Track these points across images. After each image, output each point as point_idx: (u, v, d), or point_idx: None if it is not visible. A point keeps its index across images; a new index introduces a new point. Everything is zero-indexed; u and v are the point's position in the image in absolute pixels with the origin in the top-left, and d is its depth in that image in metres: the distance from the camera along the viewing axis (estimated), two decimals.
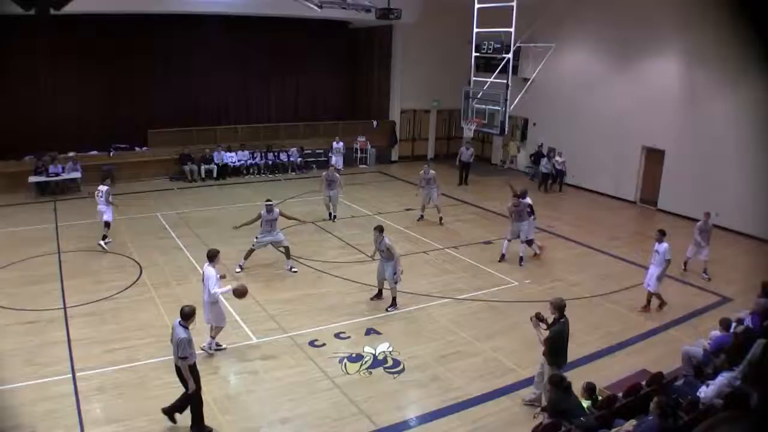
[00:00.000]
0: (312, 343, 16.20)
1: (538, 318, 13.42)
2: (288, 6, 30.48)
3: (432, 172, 27.12)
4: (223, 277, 17.62)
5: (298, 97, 41.72)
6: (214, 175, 34.97)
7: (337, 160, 36.49)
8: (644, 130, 32.26)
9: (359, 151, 40.31)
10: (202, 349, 15.44)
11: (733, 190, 28.38)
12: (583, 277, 22.04)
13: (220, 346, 15.95)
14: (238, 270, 21.20)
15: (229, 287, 15.50)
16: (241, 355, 15.60)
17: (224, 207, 29.09)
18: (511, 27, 24.30)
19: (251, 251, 21.43)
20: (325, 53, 41.70)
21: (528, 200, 23.55)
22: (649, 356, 16.33)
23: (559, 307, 13.21)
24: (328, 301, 19.12)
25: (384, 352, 16.01)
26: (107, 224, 23.46)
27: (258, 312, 17.95)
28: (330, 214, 27.87)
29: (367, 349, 16.08)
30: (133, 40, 34.41)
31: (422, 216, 27.58)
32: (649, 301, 19.35)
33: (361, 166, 40.03)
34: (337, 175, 28.08)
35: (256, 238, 21.45)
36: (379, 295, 19.52)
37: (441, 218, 27.48)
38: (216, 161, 35.17)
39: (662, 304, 19.38)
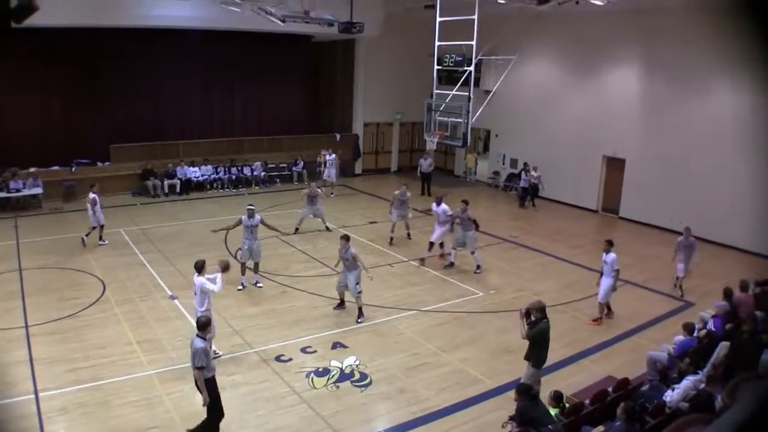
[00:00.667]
0: (278, 358, 16.07)
1: (526, 313, 13.59)
2: (251, 21, 30.38)
3: (408, 194, 27.19)
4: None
5: (262, 111, 41.53)
6: (178, 190, 34.65)
7: (329, 172, 35.95)
8: (605, 140, 32.57)
9: (323, 165, 40.11)
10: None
11: (694, 197, 28.64)
12: (547, 286, 22.11)
13: (217, 353, 15.90)
14: (240, 287, 21.00)
15: (219, 274, 15.50)
16: None
17: (188, 222, 28.90)
18: (472, 40, 24.35)
19: (243, 265, 21.32)
20: (289, 67, 41.58)
21: (444, 207, 24.42)
22: (614, 363, 16.41)
23: (541, 308, 13.49)
24: (294, 315, 19.00)
25: (351, 365, 15.92)
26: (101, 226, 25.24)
27: (223, 327, 17.72)
28: (296, 229, 27.80)
29: (334, 362, 15.97)
30: (96, 54, 34.02)
31: (392, 239, 27.33)
32: (602, 313, 19.44)
33: (323, 179, 40.00)
34: (318, 190, 28.19)
35: (240, 249, 21.28)
36: (341, 304, 19.52)
37: (409, 233, 27.51)
38: (179, 176, 34.88)
39: (609, 313, 19.53)
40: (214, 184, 36.10)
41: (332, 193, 35.17)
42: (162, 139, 36.71)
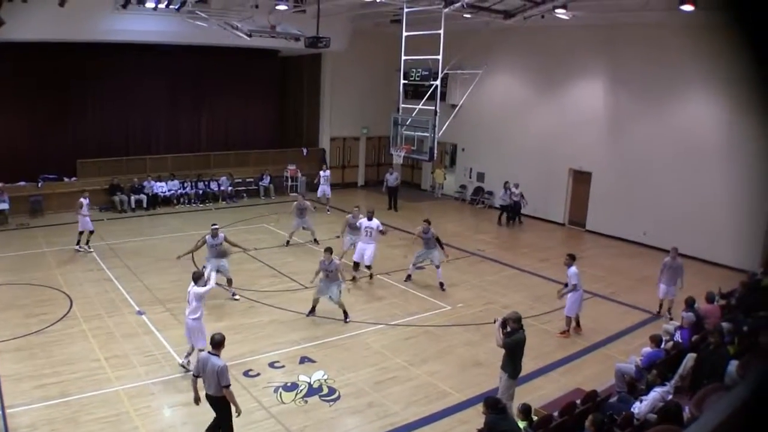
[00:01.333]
0: (246, 373, 15.99)
1: (503, 322, 13.64)
2: (218, 35, 30.35)
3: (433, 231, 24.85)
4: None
5: (229, 126, 41.44)
6: (145, 205, 34.38)
7: (323, 189, 35.23)
8: (571, 153, 32.80)
9: (290, 179, 40.18)
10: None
11: (661, 209, 28.89)
12: (515, 299, 22.17)
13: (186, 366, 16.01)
14: (237, 297, 21.32)
15: (213, 273, 17.12)
16: (175, 387, 15.28)
17: (155, 237, 28.75)
18: (438, 54, 24.44)
19: (229, 280, 21.50)
20: (255, 81, 41.58)
21: (376, 222, 24.09)
22: (582, 375, 16.51)
23: (517, 319, 13.52)
24: (261, 330, 18.92)
25: (319, 380, 15.86)
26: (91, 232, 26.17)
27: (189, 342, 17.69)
28: (288, 242, 28.13)
29: (302, 377, 15.90)
30: (61, 68, 33.84)
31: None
32: (568, 326, 19.52)
33: (291, 194, 39.83)
34: (307, 203, 28.26)
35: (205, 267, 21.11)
36: (313, 311, 19.83)
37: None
38: (146, 191, 34.64)
39: (577, 328, 19.59)
40: (181, 199, 35.90)
41: (328, 210, 34.95)
42: (129, 154, 36.57)
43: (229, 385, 12.04)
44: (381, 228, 24.00)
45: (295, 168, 40.30)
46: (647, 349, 14.96)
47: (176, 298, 20.87)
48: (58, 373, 15.69)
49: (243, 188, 38.46)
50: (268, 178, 38.97)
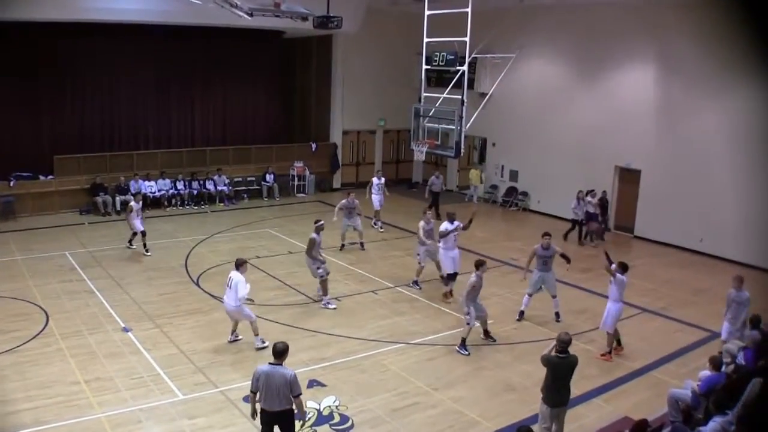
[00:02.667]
0: (247, 399, 15.85)
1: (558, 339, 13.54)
2: (214, 14, 30.15)
3: (356, 201, 27.84)
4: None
5: (227, 118, 41.49)
6: (134, 209, 34.23)
7: (377, 199, 32.90)
8: (617, 149, 32.60)
9: (296, 179, 40.29)
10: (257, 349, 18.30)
11: (720, 213, 28.66)
12: (553, 315, 22.03)
13: (264, 342, 18.44)
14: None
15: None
16: (165, 414, 15.26)
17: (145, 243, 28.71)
18: (466, 36, 24.36)
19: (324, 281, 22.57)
20: (257, 68, 41.65)
21: (456, 223, 23.58)
22: (630, 402, 16.38)
23: (562, 341, 13.32)
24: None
25: (330, 406, 15.82)
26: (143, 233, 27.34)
27: (184, 364, 17.67)
28: (342, 245, 28.47)
29: (311, 403, 15.79)
30: (37, 53, 33.85)
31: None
32: (611, 345, 19.26)
33: (298, 194, 39.94)
34: (356, 201, 28.41)
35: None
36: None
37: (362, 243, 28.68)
38: (133, 191, 34.38)
39: (618, 348, 19.37)
40: (173, 201, 35.96)
41: (380, 226, 33.00)
42: (113, 149, 36.66)
43: (302, 393, 12.28)
44: (462, 225, 23.70)
45: (303, 165, 40.42)
46: (706, 373, 14.79)
47: (167, 314, 20.92)
48: (32, 397, 15.67)
49: (243, 188, 38.54)
50: (272, 176, 39.07)
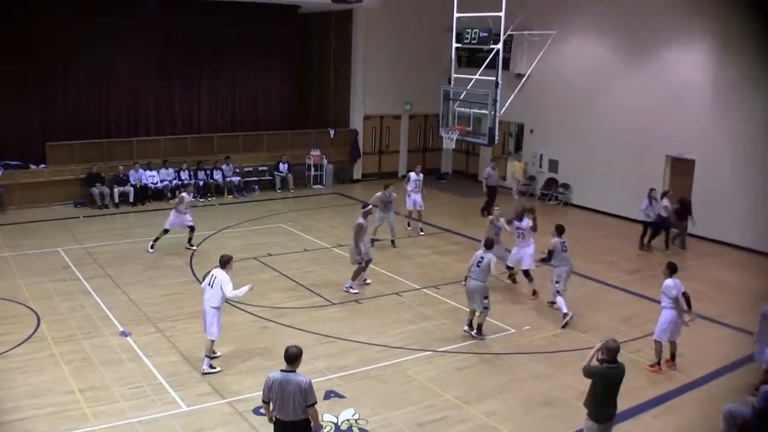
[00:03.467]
0: (257, 411, 15.87)
1: (602, 348, 13.37)
2: None
3: (395, 194, 27.75)
4: None
5: (236, 101, 41.67)
6: (131, 199, 34.58)
7: (415, 199, 31.43)
8: (669, 137, 32.40)
9: (313, 168, 40.32)
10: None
11: None
12: (597, 321, 21.97)
13: (214, 368, 17.83)
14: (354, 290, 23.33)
15: (245, 288, 17.68)
16: (167, 427, 15.30)
17: (143, 240, 28.62)
18: (500, 11, 24.30)
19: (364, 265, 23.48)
20: (270, 46, 41.70)
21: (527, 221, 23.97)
22: (681, 418, 16.37)
23: (610, 350, 13.17)
24: (277, 356, 18.81)
25: (348, 420, 15.82)
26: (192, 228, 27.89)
27: (187, 372, 17.72)
28: (373, 241, 28.05)
29: (327, 416, 15.81)
30: (27, 30, 33.92)
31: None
32: (658, 355, 19.08)
33: (315, 186, 39.99)
34: (395, 195, 28.52)
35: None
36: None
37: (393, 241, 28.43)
38: (133, 182, 34.75)
39: (670, 362, 19.13)
40: (177, 192, 35.45)
41: (421, 230, 31.85)
42: (111, 135, 36.84)
43: (316, 402, 12.16)
44: (531, 224, 24.11)
45: (320, 154, 40.38)
46: (766, 387, 14.70)
47: (169, 317, 20.99)
48: (21, 408, 15.74)
49: (254, 179, 38.60)
50: (286, 166, 39.09)
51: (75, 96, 36.39)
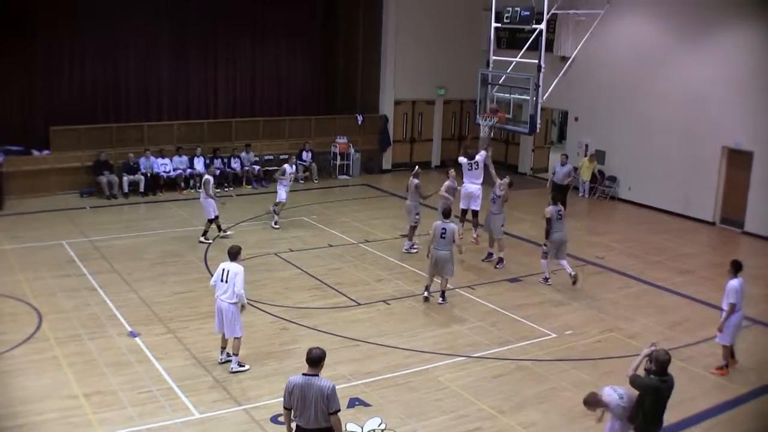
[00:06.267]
0: (275, 419, 15.92)
1: (650, 356, 13.31)
2: None
3: (505, 189, 26.62)
4: None
5: (256, 84, 41.68)
6: (141, 189, 34.60)
7: (471, 190, 28.17)
8: (725, 126, 32.22)
9: (338, 157, 40.33)
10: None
11: None
12: (644, 325, 21.89)
13: (243, 366, 18.04)
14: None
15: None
16: None
17: (155, 233, 28.91)
18: None
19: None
20: (293, 24, 41.71)
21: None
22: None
23: (660, 362, 13.04)
24: (297, 360, 18.81)
25: (374, 430, 15.83)
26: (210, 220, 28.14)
27: (201, 377, 17.75)
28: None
29: (351, 426, 15.84)
30: (30, 8, 33.91)
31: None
32: (726, 359, 19.03)
33: (341, 176, 39.99)
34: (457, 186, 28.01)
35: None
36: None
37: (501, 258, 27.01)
38: (143, 170, 34.80)
39: (728, 364, 19.06)
40: (191, 182, 36.09)
41: (475, 237, 28.10)
42: (120, 120, 36.84)
43: (339, 409, 12.14)
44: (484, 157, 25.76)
45: (347, 141, 40.42)
46: None
47: (181, 316, 21.04)
48: (19, 413, 15.80)
49: (275, 168, 38.11)
50: (310, 154, 39.12)
51: (81, 77, 36.41)
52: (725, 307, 18.52)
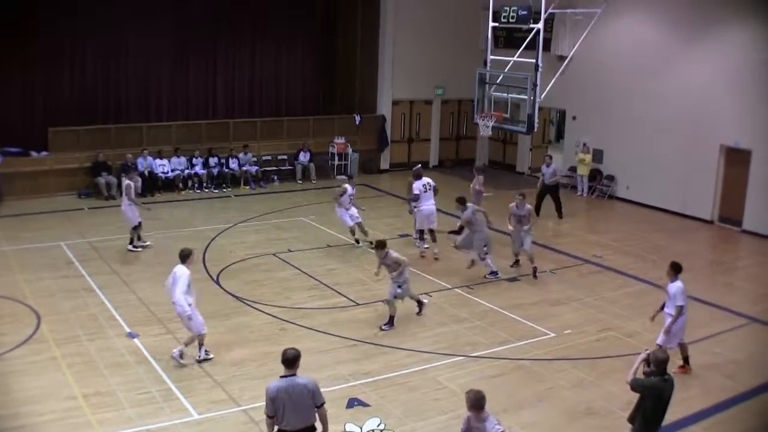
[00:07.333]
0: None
1: (648, 358, 13.25)
2: None
3: (528, 206, 26.00)
4: None
5: (254, 84, 41.68)
6: (139, 189, 33.65)
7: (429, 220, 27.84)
8: (723, 124, 32.20)
9: (337, 157, 40.34)
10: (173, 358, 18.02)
11: None
12: (643, 324, 21.74)
13: (209, 354, 18.35)
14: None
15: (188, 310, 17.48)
16: None
17: (153, 233, 28.75)
18: None
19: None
20: (291, 24, 41.72)
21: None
22: (735, 431, 16.21)
23: (659, 362, 13.01)
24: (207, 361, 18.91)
25: (373, 430, 15.83)
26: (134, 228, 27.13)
27: (200, 377, 17.74)
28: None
29: (350, 426, 15.85)
30: (28, 7, 33.85)
31: (517, 261, 26.87)
32: (685, 359, 18.93)
33: (339, 176, 39.82)
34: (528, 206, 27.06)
35: None
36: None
37: (535, 269, 26.01)
38: (141, 169, 34.61)
39: (685, 367, 18.94)
40: (189, 183, 36.12)
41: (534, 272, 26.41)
42: (119, 121, 36.89)
43: (325, 401, 12.35)
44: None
45: (345, 142, 40.40)
46: None
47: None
48: (19, 414, 15.81)
49: (273, 168, 38.61)
50: (308, 154, 39.09)
51: (80, 77, 36.42)
52: (669, 310, 18.36)
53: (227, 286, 23.61)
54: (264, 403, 12.28)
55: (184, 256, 18.09)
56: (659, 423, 13.14)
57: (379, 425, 16.00)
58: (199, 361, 18.15)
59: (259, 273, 24.44)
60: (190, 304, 17.72)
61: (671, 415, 16.39)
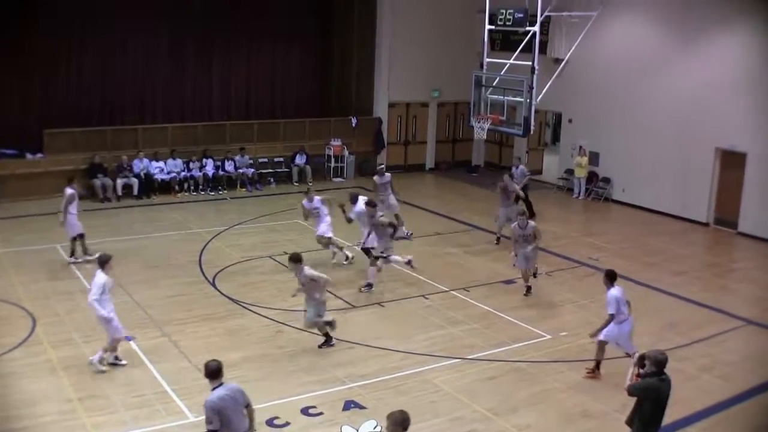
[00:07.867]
0: (271, 422, 15.97)
1: (642, 358, 13.25)
2: None
3: (532, 223, 24.80)
4: None
5: (251, 87, 41.69)
6: (135, 192, 34.52)
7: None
8: (719, 127, 32.21)
9: (333, 160, 40.35)
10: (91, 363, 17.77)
11: None
12: (639, 326, 21.72)
13: (101, 363, 17.79)
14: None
15: (109, 312, 17.53)
16: None
17: (148, 236, 28.86)
18: None
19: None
20: (288, 26, 41.69)
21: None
22: (734, 431, 16.20)
23: (658, 362, 12.96)
24: (293, 363, 18.88)
25: None
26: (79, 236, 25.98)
27: (195, 379, 17.53)
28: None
29: (347, 430, 15.83)
30: (23, 8, 33.78)
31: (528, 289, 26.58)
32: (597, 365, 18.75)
33: (335, 179, 40.01)
34: (516, 186, 28.43)
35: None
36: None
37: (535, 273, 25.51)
38: (137, 173, 34.78)
39: (595, 371, 18.73)
40: (185, 185, 36.06)
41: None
42: (115, 122, 36.82)
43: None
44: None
45: (341, 144, 40.40)
46: None
47: (175, 320, 20.99)
48: (13, 418, 15.77)
49: (269, 171, 38.61)
50: (304, 157, 39.06)
51: (76, 79, 36.39)
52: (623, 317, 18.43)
53: (223, 288, 23.54)
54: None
55: (102, 263, 18.01)
56: (658, 424, 13.11)
57: (375, 427, 15.94)
58: (110, 364, 18.09)
59: (256, 275, 24.41)
60: (111, 310, 17.82)
61: (668, 417, 16.37)
